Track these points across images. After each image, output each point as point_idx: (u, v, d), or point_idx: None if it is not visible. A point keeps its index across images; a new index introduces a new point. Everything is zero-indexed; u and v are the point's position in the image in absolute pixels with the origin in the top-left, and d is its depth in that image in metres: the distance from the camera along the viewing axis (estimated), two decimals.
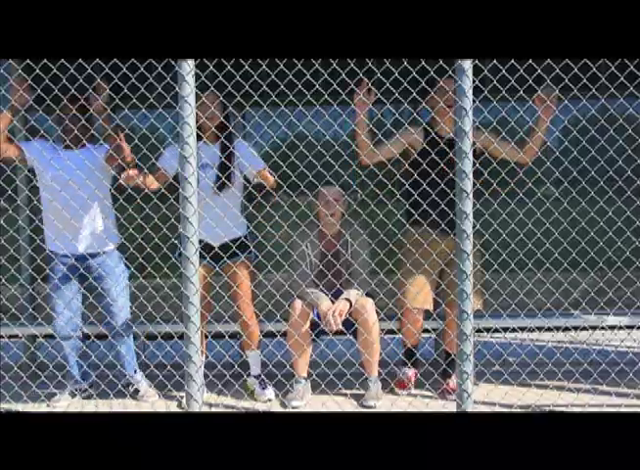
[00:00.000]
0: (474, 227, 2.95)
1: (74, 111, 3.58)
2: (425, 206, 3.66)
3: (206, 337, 4.04)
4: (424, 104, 3.84)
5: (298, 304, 3.90)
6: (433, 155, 3.61)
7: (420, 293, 3.86)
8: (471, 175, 2.82)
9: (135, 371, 4.02)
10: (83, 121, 3.58)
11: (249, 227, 4.01)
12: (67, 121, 3.58)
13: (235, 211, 3.89)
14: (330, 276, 3.87)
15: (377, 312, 4.01)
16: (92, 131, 3.57)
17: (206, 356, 4.03)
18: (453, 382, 3.89)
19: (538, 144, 3.69)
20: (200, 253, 3.85)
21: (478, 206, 3.20)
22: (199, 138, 3.83)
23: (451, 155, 3.72)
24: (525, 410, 3.32)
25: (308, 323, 3.92)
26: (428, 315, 4.12)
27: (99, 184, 3.74)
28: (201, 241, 3.94)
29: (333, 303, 3.93)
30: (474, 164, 3.34)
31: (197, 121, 3.78)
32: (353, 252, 3.96)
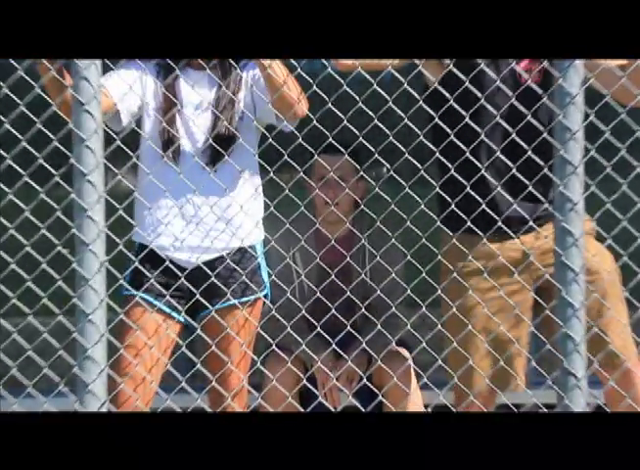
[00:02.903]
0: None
1: None
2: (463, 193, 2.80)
3: None
4: None
5: (278, 360, 3.25)
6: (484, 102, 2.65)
7: (488, 368, 2.90)
8: (581, 169, 2.33)
9: None
10: None
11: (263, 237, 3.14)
12: None
13: (235, 199, 2.95)
14: (333, 310, 3.06)
15: (417, 375, 3.44)
16: None
17: None
18: None
19: None
20: (155, 286, 2.84)
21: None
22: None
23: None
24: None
25: (296, 392, 3.39)
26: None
27: None
28: (160, 260, 2.86)
29: (338, 359, 3.35)
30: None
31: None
32: (375, 267, 3.38)
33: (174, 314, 2.80)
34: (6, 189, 2.78)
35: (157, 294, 2.79)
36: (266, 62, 2.71)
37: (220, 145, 2.80)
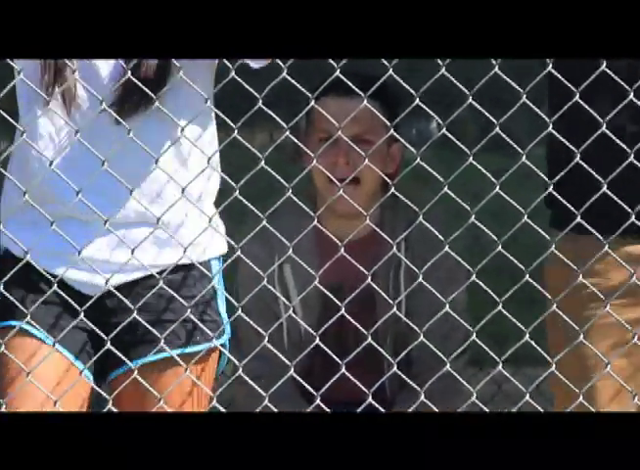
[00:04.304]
0: None
1: None
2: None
3: None
4: None
5: None
6: None
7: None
8: None
9: None
10: None
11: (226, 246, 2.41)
12: None
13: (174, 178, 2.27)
14: (344, 368, 2.29)
15: None
16: None
17: None
18: None
19: None
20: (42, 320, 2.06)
21: None
22: None
23: None
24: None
25: None
26: None
27: None
28: (42, 280, 2.16)
29: None
30: None
31: None
32: (416, 293, 2.68)
33: (77, 363, 1.96)
34: None
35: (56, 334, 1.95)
36: None
37: (144, 86, 1.95)
